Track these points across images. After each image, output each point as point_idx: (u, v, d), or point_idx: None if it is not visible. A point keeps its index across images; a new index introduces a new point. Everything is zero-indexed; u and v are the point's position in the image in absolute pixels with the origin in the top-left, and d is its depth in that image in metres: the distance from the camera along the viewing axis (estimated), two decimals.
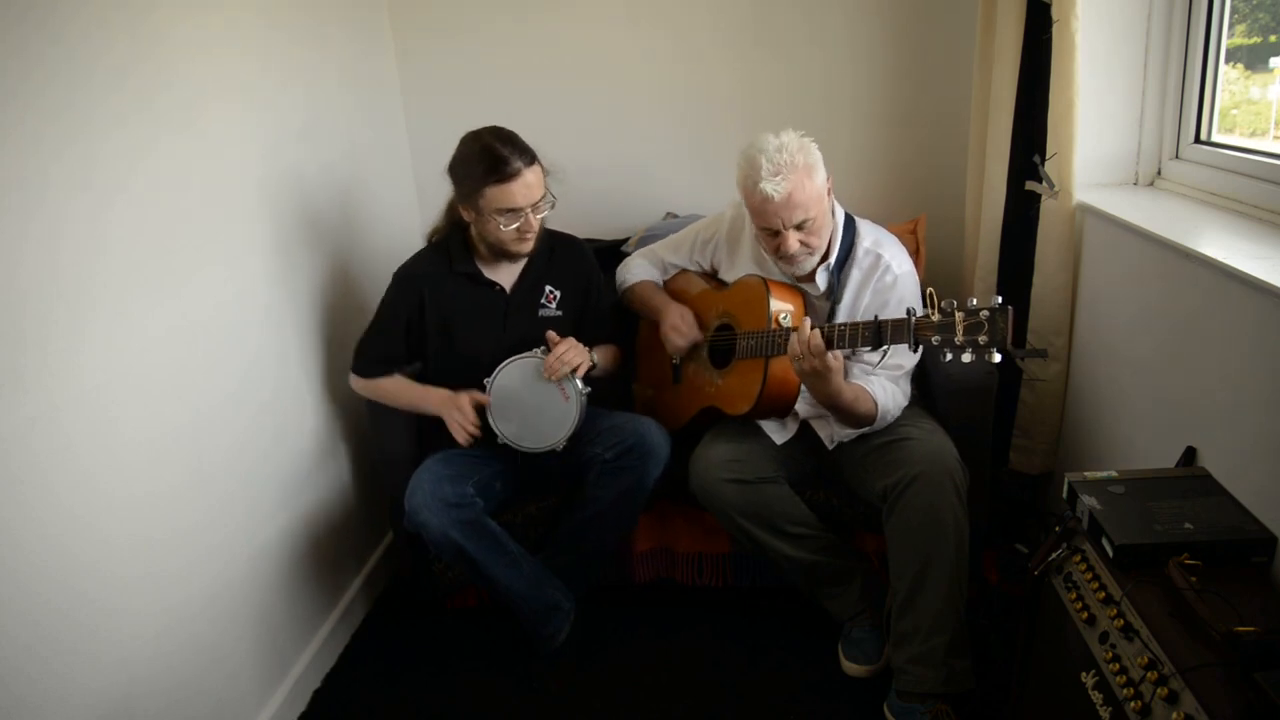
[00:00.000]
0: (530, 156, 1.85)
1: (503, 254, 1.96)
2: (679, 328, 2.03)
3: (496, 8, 2.51)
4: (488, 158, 1.81)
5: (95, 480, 1.37)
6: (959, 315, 1.48)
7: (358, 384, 2.07)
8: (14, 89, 1.24)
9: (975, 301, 1.48)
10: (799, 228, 1.78)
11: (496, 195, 1.83)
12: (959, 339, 1.48)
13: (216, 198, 1.71)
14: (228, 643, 1.71)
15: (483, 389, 1.94)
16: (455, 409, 1.92)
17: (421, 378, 2.05)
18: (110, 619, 1.40)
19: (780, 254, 1.83)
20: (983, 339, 1.45)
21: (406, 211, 2.64)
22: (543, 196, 1.88)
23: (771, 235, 1.82)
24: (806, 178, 1.75)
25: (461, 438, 1.91)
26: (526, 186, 1.83)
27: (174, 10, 1.59)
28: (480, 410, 1.94)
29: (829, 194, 1.84)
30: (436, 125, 2.60)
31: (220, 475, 1.70)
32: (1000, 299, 1.46)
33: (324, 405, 2.12)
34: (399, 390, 2.03)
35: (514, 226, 1.87)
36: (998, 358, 1.45)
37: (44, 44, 1.29)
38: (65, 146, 1.32)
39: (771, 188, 1.73)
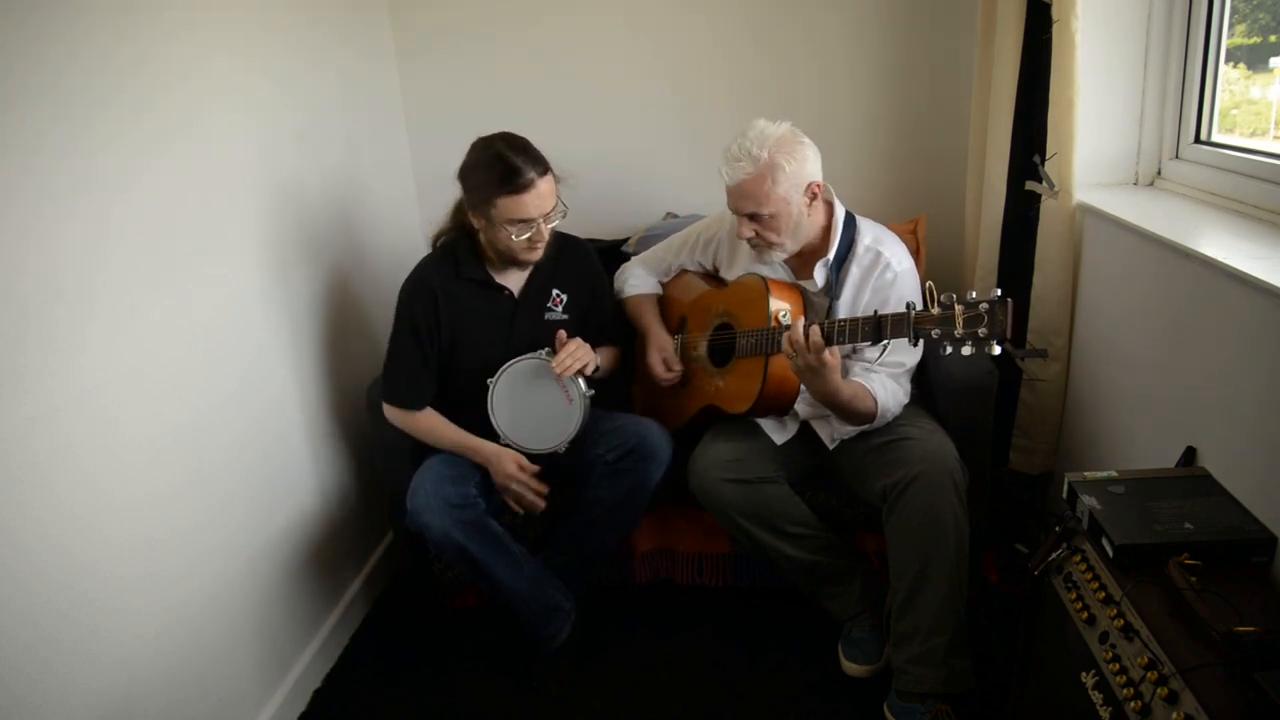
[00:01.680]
0: (543, 166, 1.83)
1: (512, 262, 1.95)
2: (656, 370, 2.05)
3: (497, 9, 2.51)
4: (501, 167, 1.79)
5: (95, 480, 1.37)
6: (958, 308, 1.48)
7: (393, 415, 1.99)
8: (18, 91, 1.24)
9: (974, 294, 1.48)
10: (752, 218, 1.80)
11: (509, 206, 1.81)
12: (958, 332, 1.47)
13: (216, 199, 1.71)
14: (228, 643, 1.71)
15: (486, 389, 1.93)
16: (513, 473, 1.93)
17: None
18: (110, 619, 1.40)
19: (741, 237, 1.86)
20: (982, 331, 1.45)
21: (406, 211, 2.64)
22: (554, 206, 1.87)
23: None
24: (766, 173, 1.76)
25: (530, 504, 1.94)
26: (539, 197, 1.82)
27: (176, 13, 1.59)
28: (484, 411, 1.94)
29: (811, 197, 1.82)
30: (436, 125, 2.62)
31: (220, 475, 1.70)
32: (999, 291, 1.45)
33: (324, 405, 2.12)
34: (440, 431, 1.98)
35: (525, 237, 1.85)
36: (997, 350, 1.45)
37: (46, 46, 1.29)
38: (68, 148, 1.33)
39: (726, 170, 1.78)
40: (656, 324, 2.12)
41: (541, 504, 1.95)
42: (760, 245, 1.86)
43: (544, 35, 2.52)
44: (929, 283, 1.58)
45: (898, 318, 1.57)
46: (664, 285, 2.21)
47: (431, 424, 1.98)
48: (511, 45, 2.54)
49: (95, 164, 1.38)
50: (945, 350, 1.49)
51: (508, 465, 1.92)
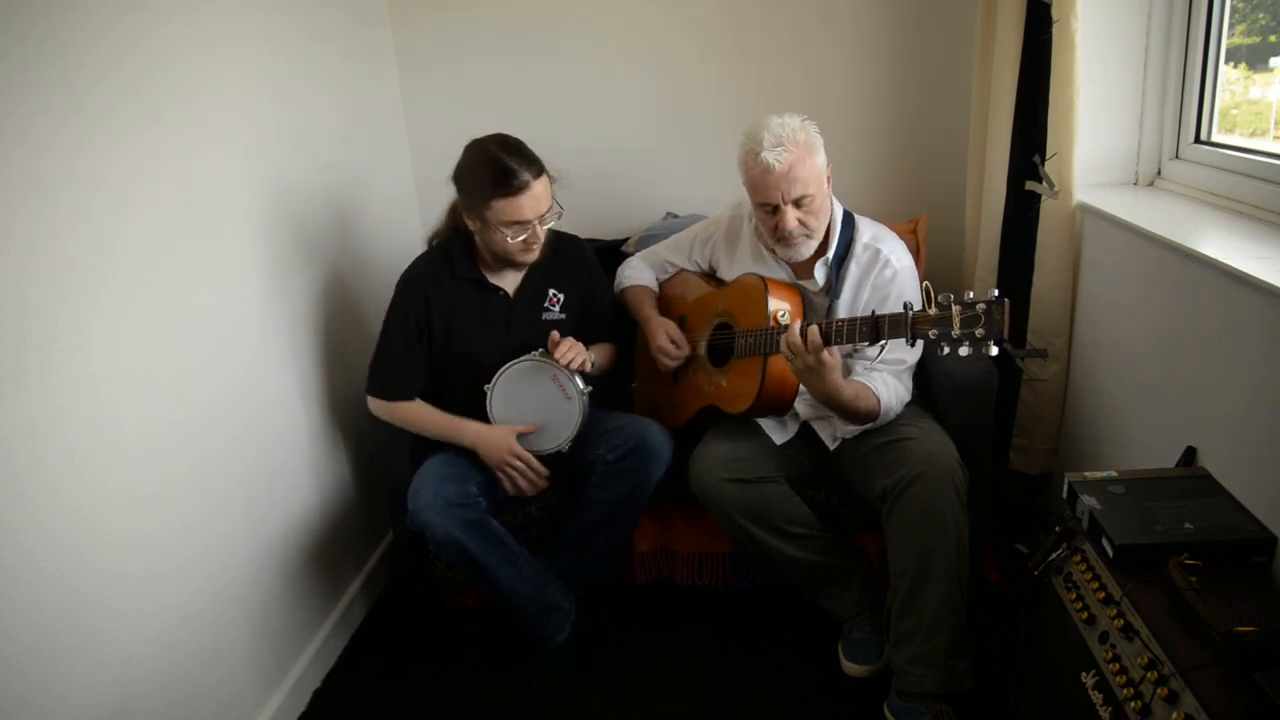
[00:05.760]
0: (538, 167, 1.82)
1: (508, 263, 1.95)
2: (666, 349, 2.03)
3: (496, 16, 2.51)
4: (495, 169, 1.78)
5: (96, 479, 1.37)
6: (955, 309, 1.48)
7: (376, 407, 2.00)
8: (23, 95, 1.24)
9: (971, 295, 1.48)
10: (797, 204, 1.79)
11: (504, 208, 1.80)
12: (955, 332, 1.47)
13: (218, 202, 1.71)
14: (228, 642, 1.71)
15: (484, 394, 1.93)
16: (508, 456, 1.91)
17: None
18: (111, 618, 1.40)
19: (778, 234, 1.83)
20: (979, 332, 1.45)
21: (406, 211, 2.65)
22: (549, 207, 1.86)
23: (770, 213, 1.82)
24: (807, 154, 1.77)
25: (527, 488, 1.93)
26: (534, 199, 1.81)
27: (185, 16, 1.60)
28: (484, 416, 1.93)
29: (828, 181, 1.85)
30: (436, 126, 2.62)
31: (220, 474, 1.70)
32: (996, 292, 1.45)
33: (324, 404, 2.12)
34: (426, 418, 1.98)
35: (521, 238, 1.85)
36: (995, 351, 1.45)
37: (55, 50, 1.29)
38: (74, 152, 1.33)
39: (773, 158, 1.74)
40: (655, 312, 2.12)
41: (542, 483, 1.93)
42: (800, 236, 1.82)
43: (543, 40, 2.52)
44: (926, 283, 1.59)
45: (895, 318, 1.57)
46: (663, 285, 2.21)
47: (419, 412, 1.98)
48: (511, 50, 2.53)
49: (100, 168, 1.39)
50: (943, 351, 1.49)
51: (501, 447, 1.91)
